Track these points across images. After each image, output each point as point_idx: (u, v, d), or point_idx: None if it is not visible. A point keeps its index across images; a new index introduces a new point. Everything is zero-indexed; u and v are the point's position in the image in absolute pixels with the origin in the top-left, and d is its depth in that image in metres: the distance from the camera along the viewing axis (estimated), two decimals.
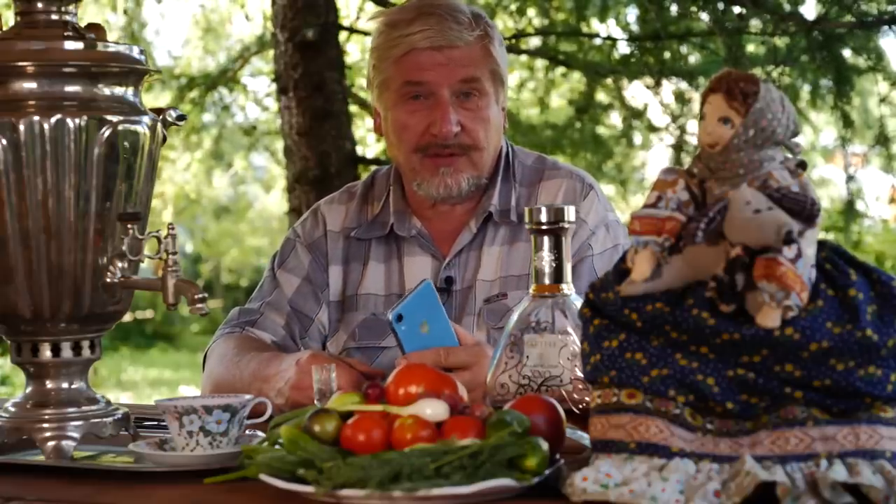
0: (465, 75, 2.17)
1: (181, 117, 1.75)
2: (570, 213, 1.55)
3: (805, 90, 6.04)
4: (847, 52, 5.55)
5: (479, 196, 2.25)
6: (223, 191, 16.88)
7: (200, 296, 1.60)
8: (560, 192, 2.24)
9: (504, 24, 6.99)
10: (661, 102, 6.50)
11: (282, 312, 2.26)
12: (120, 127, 1.64)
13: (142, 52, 1.70)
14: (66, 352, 1.68)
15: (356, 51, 8.32)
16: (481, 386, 1.73)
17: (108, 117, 1.64)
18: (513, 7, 6.50)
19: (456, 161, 2.18)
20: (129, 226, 1.63)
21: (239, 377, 2.08)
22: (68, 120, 1.61)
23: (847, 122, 5.52)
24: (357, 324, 2.25)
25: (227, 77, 8.09)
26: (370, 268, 2.27)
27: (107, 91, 1.66)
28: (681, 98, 6.54)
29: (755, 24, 5.55)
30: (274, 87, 6.94)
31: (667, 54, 6.19)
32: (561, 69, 7.23)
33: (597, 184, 2.28)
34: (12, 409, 1.68)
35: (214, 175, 13.11)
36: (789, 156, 1.31)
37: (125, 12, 7.91)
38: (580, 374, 1.52)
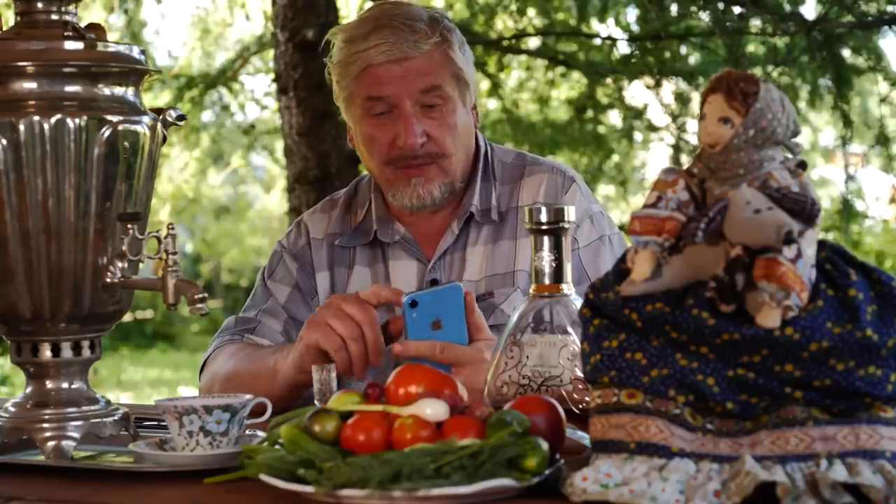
0: (426, 85, 2.16)
1: (181, 117, 1.75)
2: (570, 213, 1.55)
3: (805, 90, 6.04)
4: (847, 52, 5.55)
5: (460, 198, 2.25)
6: (223, 191, 16.89)
7: (200, 296, 1.60)
8: (542, 187, 2.24)
9: (504, 24, 7.00)
10: (661, 102, 6.50)
11: (279, 319, 2.27)
12: (120, 127, 1.64)
13: (142, 52, 1.70)
14: (66, 352, 1.68)
15: None
16: (474, 390, 1.74)
17: (108, 117, 1.64)
18: (513, 7, 6.50)
19: (426, 170, 2.18)
20: (129, 226, 1.63)
21: (260, 362, 2.10)
22: (68, 120, 1.61)
23: (847, 122, 5.52)
24: None
25: (226, 77, 8.10)
26: (356, 272, 2.28)
27: (107, 91, 1.66)
28: (681, 98, 6.54)
29: (755, 24, 5.55)
30: (274, 86, 6.94)
31: (667, 54, 6.19)
32: (561, 69, 7.23)
33: (579, 176, 2.28)
34: (12, 409, 1.68)
35: (210, 174, 13.11)
36: (789, 156, 1.31)
37: (125, 12, 7.91)
38: (580, 374, 1.52)
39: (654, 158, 11.10)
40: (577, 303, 1.53)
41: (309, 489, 1.28)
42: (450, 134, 2.18)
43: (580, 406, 1.52)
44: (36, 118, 1.60)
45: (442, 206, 2.23)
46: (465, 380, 1.77)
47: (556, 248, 1.55)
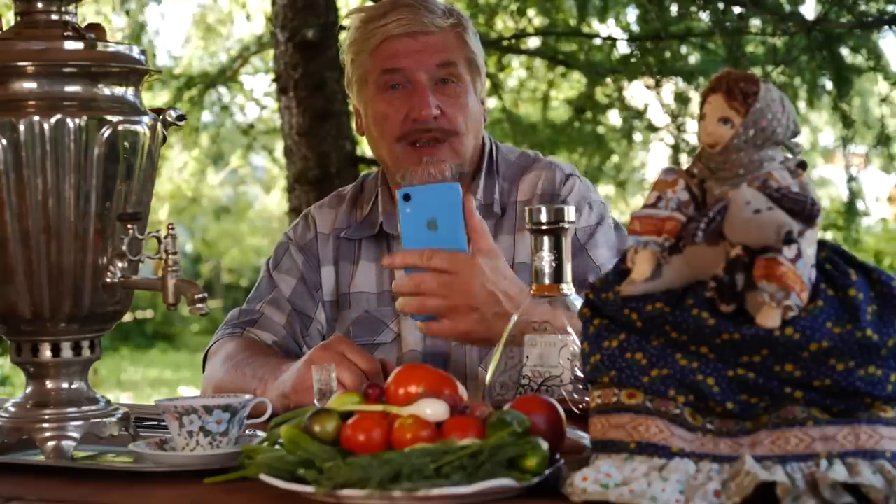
0: (441, 59, 2.19)
1: (181, 117, 1.75)
2: (570, 213, 1.55)
3: (804, 90, 6.04)
4: (846, 52, 5.56)
5: (464, 191, 2.25)
6: (223, 191, 16.89)
7: (200, 296, 1.60)
8: (539, 182, 2.26)
9: (504, 24, 7.00)
10: (661, 102, 6.50)
11: (283, 311, 2.27)
12: (120, 127, 1.64)
13: (142, 52, 1.71)
14: (66, 352, 1.68)
15: None
16: (467, 295, 1.76)
17: (108, 117, 1.64)
18: (513, 7, 6.50)
19: (438, 149, 2.19)
20: (129, 226, 1.63)
21: (243, 381, 2.09)
22: (68, 120, 1.61)
23: (847, 122, 5.52)
24: (351, 321, 2.27)
25: (226, 76, 8.10)
26: (361, 266, 2.29)
27: (107, 91, 1.66)
28: (681, 98, 6.54)
29: (755, 24, 5.56)
30: (274, 86, 6.94)
31: (667, 54, 6.19)
32: (561, 69, 7.24)
33: (578, 172, 2.30)
34: (12, 409, 1.68)
35: (210, 174, 13.11)
36: (789, 156, 1.31)
37: (127, 13, 7.91)
38: (580, 374, 1.52)
39: (653, 158, 11.11)
40: (578, 303, 1.53)
41: (309, 489, 1.28)
42: (462, 113, 2.20)
43: (580, 406, 1.52)
44: (36, 118, 1.60)
45: None
46: (458, 287, 1.75)
47: (556, 248, 1.55)
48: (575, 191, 2.23)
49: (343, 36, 2.33)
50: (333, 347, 1.95)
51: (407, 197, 1.76)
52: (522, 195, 2.26)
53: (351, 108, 2.21)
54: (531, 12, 6.81)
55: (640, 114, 7.08)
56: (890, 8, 5.32)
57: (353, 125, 2.37)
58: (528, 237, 2.20)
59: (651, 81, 6.26)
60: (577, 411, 1.52)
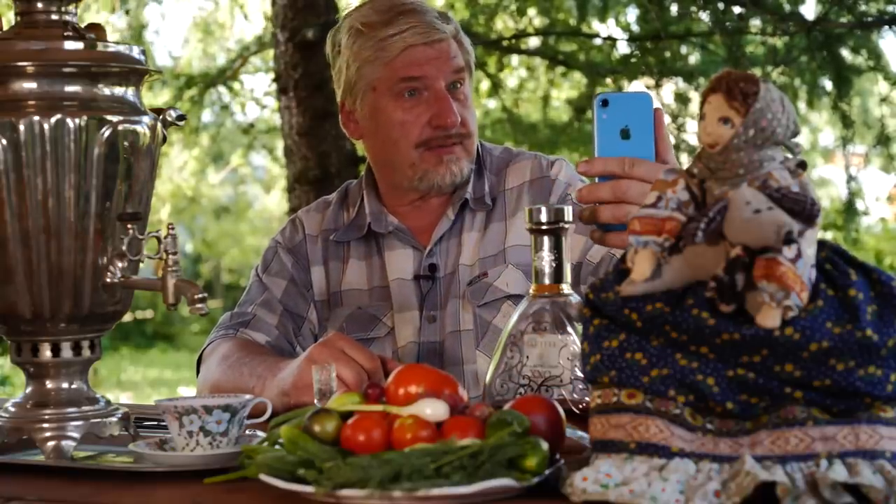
0: (456, 66, 2.24)
1: (181, 117, 1.75)
2: (569, 213, 1.55)
3: (804, 90, 6.05)
4: (846, 52, 5.56)
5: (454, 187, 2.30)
6: (223, 191, 16.90)
7: (200, 296, 1.60)
8: (527, 170, 2.31)
9: (504, 24, 7.00)
10: (661, 102, 6.50)
11: (274, 313, 2.28)
12: (120, 127, 1.64)
13: (142, 52, 1.71)
14: (66, 352, 1.68)
15: None
16: None
17: (108, 117, 1.64)
18: (513, 7, 6.51)
19: (454, 149, 2.24)
20: (129, 226, 1.63)
21: (241, 380, 2.09)
22: (68, 120, 1.61)
23: (847, 122, 5.52)
24: (344, 318, 2.28)
25: (226, 76, 8.10)
26: (351, 265, 2.32)
27: (107, 91, 1.66)
28: (681, 98, 6.54)
29: (755, 24, 5.56)
30: (274, 86, 6.94)
31: (667, 54, 6.20)
32: (561, 69, 7.24)
33: (563, 159, 2.35)
34: (12, 409, 1.68)
35: (210, 173, 13.12)
36: (789, 156, 1.30)
37: (127, 13, 7.91)
38: (580, 374, 1.52)
39: None
40: (576, 300, 1.53)
41: (309, 489, 1.28)
42: (470, 114, 2.26)
43: (580, 406, 1.52)
44: (36, 118, 1.60)
45: (446, 191, 2.28)
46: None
47: (556, 248, 1.55)
48: (563, 171, 2.29)
49: (341, 42, 2.33)
50: (333, 344, 1.95)
51: (605, 103, 1.70)
52: (511, 183, 2.31)
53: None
54: (531, 12, 6.81)
55: None
56: (890, 8, 5.33)
57: (343, 126, 2.39)
58: (519, 222, 2.24)
59: (651, 81, 6.27)
60: (577, 411, 1.52)
